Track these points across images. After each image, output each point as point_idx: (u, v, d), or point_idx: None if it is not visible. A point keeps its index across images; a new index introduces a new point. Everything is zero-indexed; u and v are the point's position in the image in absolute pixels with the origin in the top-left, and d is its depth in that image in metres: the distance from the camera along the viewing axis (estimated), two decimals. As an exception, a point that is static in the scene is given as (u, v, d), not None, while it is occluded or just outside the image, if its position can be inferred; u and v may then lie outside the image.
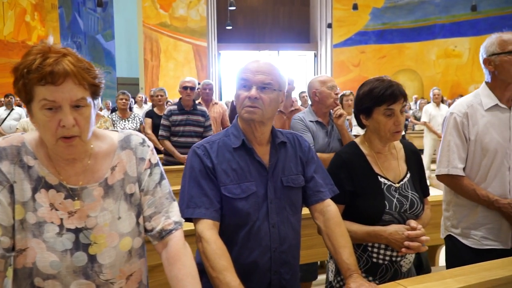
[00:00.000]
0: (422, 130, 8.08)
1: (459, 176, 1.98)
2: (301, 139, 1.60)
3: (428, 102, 8.32)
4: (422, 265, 2.41)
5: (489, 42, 1.96)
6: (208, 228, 1.33)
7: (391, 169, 1.71)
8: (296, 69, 18.72)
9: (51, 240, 1.07)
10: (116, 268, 1.14)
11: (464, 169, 2.00)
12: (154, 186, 1.21)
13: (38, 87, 0.99)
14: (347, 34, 18.17)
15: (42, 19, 12.60)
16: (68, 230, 1.09)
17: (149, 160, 1.22)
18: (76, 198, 1.11)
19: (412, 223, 1.57)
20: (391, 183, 1.68)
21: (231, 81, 17.87)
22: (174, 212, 1.22)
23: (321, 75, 2.80)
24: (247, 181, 1.42)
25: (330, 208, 1.51)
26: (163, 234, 1.18)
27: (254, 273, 1.42)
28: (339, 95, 2.76)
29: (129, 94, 5.18)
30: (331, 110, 2.78)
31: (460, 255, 2.05)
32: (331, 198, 1.57)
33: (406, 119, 9.76)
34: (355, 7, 14.85)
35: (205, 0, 17.21)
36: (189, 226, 1.46)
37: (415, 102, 12.34)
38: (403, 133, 4.21)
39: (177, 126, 4.22)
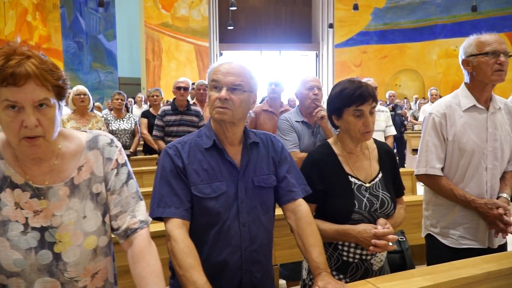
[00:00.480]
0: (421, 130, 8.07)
1: (437, 176, 1.99)
2: (275, 139, 1.62)
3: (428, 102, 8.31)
4: (406, 265, 2.43)
5: (467, 43, 1.98)
6: (177, 227, 1.36)
7: (363, 169, 1.73)
8: (298, 69, 18.74)
9: (15, 239, 1.09)
10: (81, 266, 1.16)
11: (443, 169, 2.02)
12: (120, 186, 1.23)
13: (0, 89, 1.01)
14: (348, 34, 18.16)
15: (43, 19, 12.65)
16: (34, 228, 1.12)
17: (116, 160, 1.25)
18: (42, 197, 1.13)
19: (381, 222, 1.60)
20: (362, 182, 1.70)
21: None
22: (141, 212, 1.24)
23: (307, 76, 2.81)
24: (217, 181, 1.44)
25: (302, 207, 1.53)
26: (129, 233, 1.21)
27: (225, 272, 1.44)
28: (321, 96, 2.76)
29: (125, 95, 5.22)
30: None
31: (439, 254, 2.07)
32: (304, 198, 1.60)
33: (406, 119, 9.75)
34: (355, 7, 14.86)
35: (206, 0, 17.25)
36: (162, 226, 1.49)
37: (415, 102, 12.32)
38: (394, 132, 4.21)
39: (171, 126, 4.26)
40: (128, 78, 17.21)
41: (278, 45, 18.70)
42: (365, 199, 1.66)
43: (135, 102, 9.76)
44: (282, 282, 3.06)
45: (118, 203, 1.22)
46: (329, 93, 1.77)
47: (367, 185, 1.70)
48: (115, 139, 1.28)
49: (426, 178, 2.04)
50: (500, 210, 1.86)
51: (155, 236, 1.44)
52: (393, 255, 2.46)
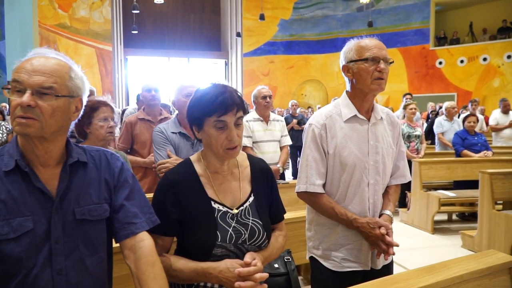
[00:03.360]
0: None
1: (318, 194, 1.80)
2: (112, 158, 1.29)
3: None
4: (292, 289, 2.22)
5: (347, 48, 1.82)
6: None
7: (230, 192, 1.45)
8: (208, 76, 18.59)
9: None
10: None
11: (325, 185, 1.83)
12: None
13: None
14: (256, 44, 18.39)
15: None
16: None
17: None
18: None
19: (247, 257, 1.32)
20: (228, 209, 1.42)
21: (138, 87, 17.17)
22: None
23: (184, 81, 2.50)
24: (20, 216, 1.07)
25: (144, 243, 1.21)
26: None
27: None
28: None
29: None
30: None
31: (322, 279, 1.89)
32: (154, 230, 1.30)
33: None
34: (262, 17, 15.02)
35: (109, 2, 16.35)
36: None
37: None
38: (290, 142, 4.06)
39: None
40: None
41: (186, 52, 18.37)
42: (230, 229, 1.38)
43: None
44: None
45: None
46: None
47: (234, 211, 1.42)
48: None
49: (306, 196, 1.84)
50: (382, 230, 1.71)
51: None
52: (278, 278, 2.24)
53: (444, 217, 5.76)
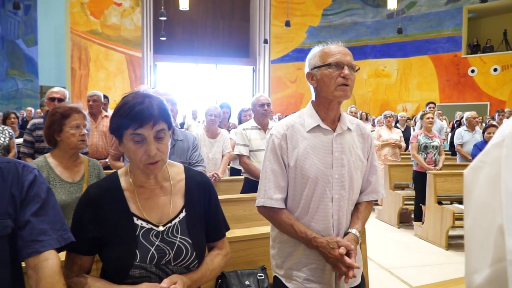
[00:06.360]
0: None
1: (276, 209, 1.67)
2: (24, 170, 1.20)
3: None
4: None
5: (312, 54, 1.71)
6: None
7: (157, 207, 1.34)
8: (235, 83, 18.67)
9: None
10: None
11: (287, 199, 1.71)
12: None
13: None
14: (284, 51, 18.30)
15: None
16: None
17: None
18: None
19: (165, 282, 1.21)
20: (153, 226, 1.31)
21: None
22: None
23: (160, 89, 2.44)
24: None
25: (47, 263, 1.13)
26: None
27: None
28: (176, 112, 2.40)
29: None
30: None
31: (283, 300, 1.75)
32: (72, 249, 1.24)
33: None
34: (287, 24, 14.93)
35: (140, 9, 16.71)
36: None
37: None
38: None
39: (42, 142, 3.72)
40: (51, 87, 16.10)
41: (215, 58, 18.50)
42: (153, 248, 1.27)
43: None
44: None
45: None
46: None
47: (160, 229, 1.31)
48: None
49: (265, 211, 1.71)
50: (341, 250, 1.57)
51: None
52: (248, 296, 2.13)
53: (462, 232, 5.46)
